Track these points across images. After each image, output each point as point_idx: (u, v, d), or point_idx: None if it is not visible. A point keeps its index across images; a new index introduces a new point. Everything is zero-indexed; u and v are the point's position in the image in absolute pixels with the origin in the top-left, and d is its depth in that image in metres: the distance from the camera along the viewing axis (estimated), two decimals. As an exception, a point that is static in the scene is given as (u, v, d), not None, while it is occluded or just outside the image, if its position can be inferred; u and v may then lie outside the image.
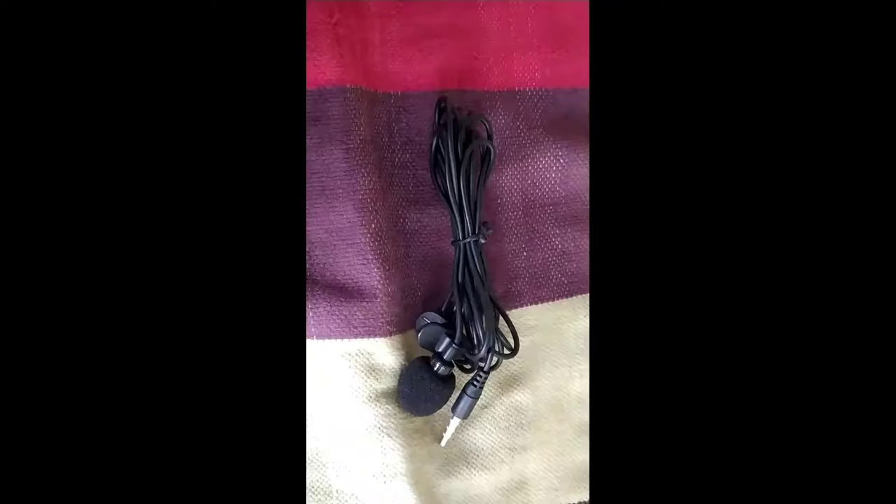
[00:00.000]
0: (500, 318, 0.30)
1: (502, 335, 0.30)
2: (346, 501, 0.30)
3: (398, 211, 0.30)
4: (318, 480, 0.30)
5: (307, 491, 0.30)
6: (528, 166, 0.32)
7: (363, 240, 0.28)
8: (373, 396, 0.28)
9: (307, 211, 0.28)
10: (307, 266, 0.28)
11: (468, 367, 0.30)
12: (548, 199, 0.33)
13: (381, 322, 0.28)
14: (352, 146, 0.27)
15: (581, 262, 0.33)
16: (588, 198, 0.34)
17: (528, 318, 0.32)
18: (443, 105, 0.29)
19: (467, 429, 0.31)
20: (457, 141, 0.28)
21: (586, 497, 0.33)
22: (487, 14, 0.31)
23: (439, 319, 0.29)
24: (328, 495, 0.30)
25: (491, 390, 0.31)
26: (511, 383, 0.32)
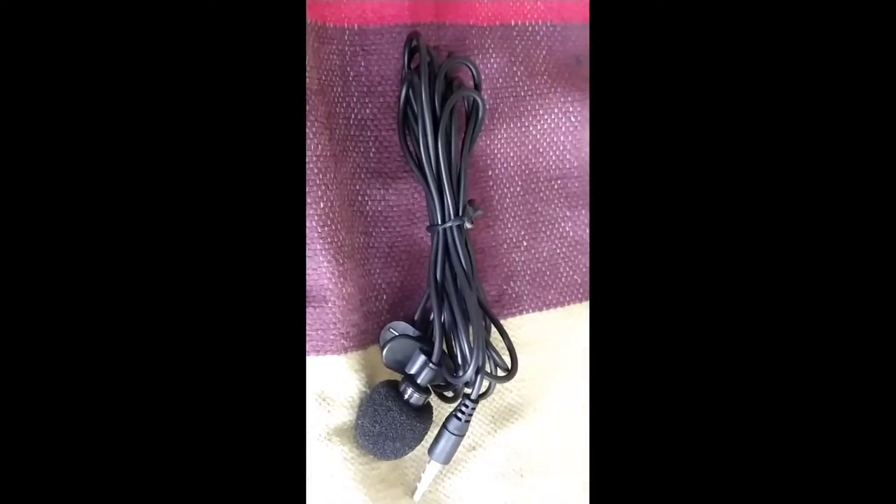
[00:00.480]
0: (493, 328, 0.25)
1: (495, 351, 0.25)
2: None
3: (355, 185, 0.26)
4: None
5: None
6: (529, 126, 0.27)
7: (309, 224, 0.23)
8: (324, 434, 0.24)
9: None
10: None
11: (450, 394, 0.25)
12: (555, 170, 0.28)
13: (334, 334, 0.24)
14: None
15: None
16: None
17: (529, 330, 0.28)
18: (414, 43, 0.25)
19: (449, 477, 0.26)
20: (433, 92, 0.25)
21: None
22: None
23: (411, 331, 0.26)
24: None
25: (481, 426, 0.26)
26: (507, 416, 0.27)
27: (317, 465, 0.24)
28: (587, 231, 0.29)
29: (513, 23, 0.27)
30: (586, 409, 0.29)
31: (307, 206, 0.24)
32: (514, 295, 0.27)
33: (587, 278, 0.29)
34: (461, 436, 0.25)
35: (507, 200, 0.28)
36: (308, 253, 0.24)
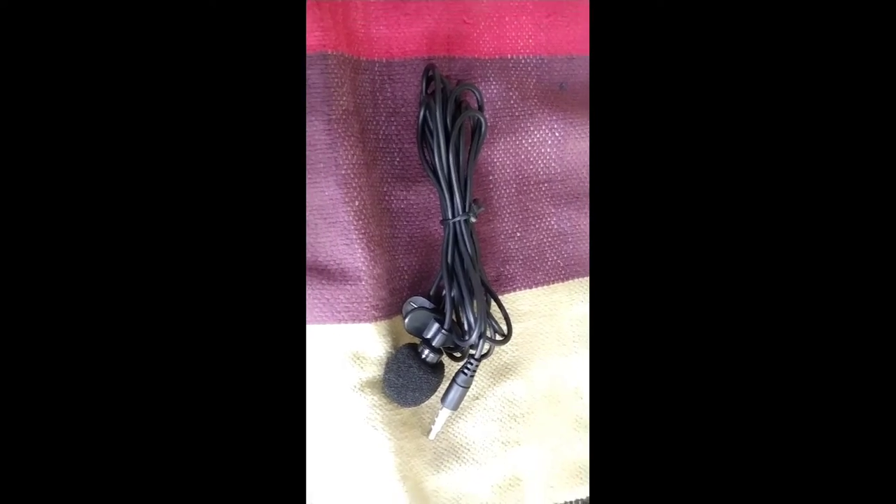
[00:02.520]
0: (492, 302, 0.28)
1: (494, 321, 0.28)
2: (331, 496, 0.28)
3: (383, 187, 0.28)
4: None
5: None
6: (521, 140, 0.30)
7: (346, 218, 0.26)
8: (357, 386, 0.26)
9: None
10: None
11: (458, 354, 0.28)
12: (543, 175, 0.31)
13: (366, 306, 0.27)
14: (333, 117, 0.25)
15: (578, 243, 0.31)
16: (587, 174, 0.32)
17: (521, 303, 0.30)
18: (430, 73, 0.27)
19: (457, 421, 0.29)
20: (445, 112, 0.26)
21: (584, 494, 0.31)
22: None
23: (427, 304, 0.28)
24: (311, 492, 0.28)
25: (482, 380, 0.29)
26: (504, 372, 0.30)
27: (352, 412, 0.27)
28: (568, 224, 0.32)
29: (509, 56, 0.30)
30: (567, 367, 0.32)
31: (344, 204, 0.26)
32: (509, 276, 0.31)
33: (569, 262, 0.32)
34: (467, 388, 0.28)
35: (504, 199, 0.31)
36: (346, 241, 0.27)
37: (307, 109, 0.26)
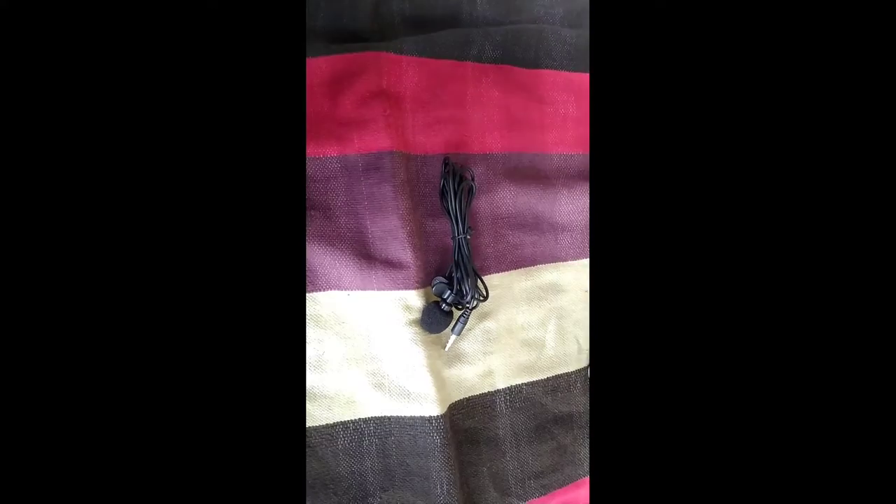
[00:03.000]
0: (479, 280, 0.45)
1: (479, 289, 0.45)
2: (392, 384, 0.44)
3: (422, 220, 0.45)
4: (375, 372, 0.45)
5: (369, 381, 0.45)
6: (493, 196, 0.48)
7: (402, 236, 0.43)
8: (407, 322, 0.43)
9: (371, 221, 0.43)
10: (371, 250, 0.44)
11: (460, 307, 0.45)
12: (504, 213, 0.48)
13: (412, 281, 0.43)
14: (396, 183, 0.43)
15: (524, 249, 0.50)
16: (531, 214, 0.49)
17: (493, 280, 0.48)
18: (447, 162, 0.45)
19: (459, 342, 0.47)
20: (454, 181, 0.44)
21: (527, 380, 0.51)
22: (471, 110, 0.48)
23: (444, 280, 0.44)
24: (380, 385, 0.44)
25: (472, 321, 0.47)
26: (484, 317, 0.47)
27: (404, 335, 0.43)
28: (519, 240, 0.48)
29: (488, 153, 0.48)
30: (517, 314, 0.49)
31: (402, 229, 0.42)
32: (487, 266, 0.48)
33: (518, 259, 0.48)
34: (465, 324, 0.45)
35: (484, 227, 0.48)
36: (402, 248, 0.43)
37: (382, 180, 0.42)
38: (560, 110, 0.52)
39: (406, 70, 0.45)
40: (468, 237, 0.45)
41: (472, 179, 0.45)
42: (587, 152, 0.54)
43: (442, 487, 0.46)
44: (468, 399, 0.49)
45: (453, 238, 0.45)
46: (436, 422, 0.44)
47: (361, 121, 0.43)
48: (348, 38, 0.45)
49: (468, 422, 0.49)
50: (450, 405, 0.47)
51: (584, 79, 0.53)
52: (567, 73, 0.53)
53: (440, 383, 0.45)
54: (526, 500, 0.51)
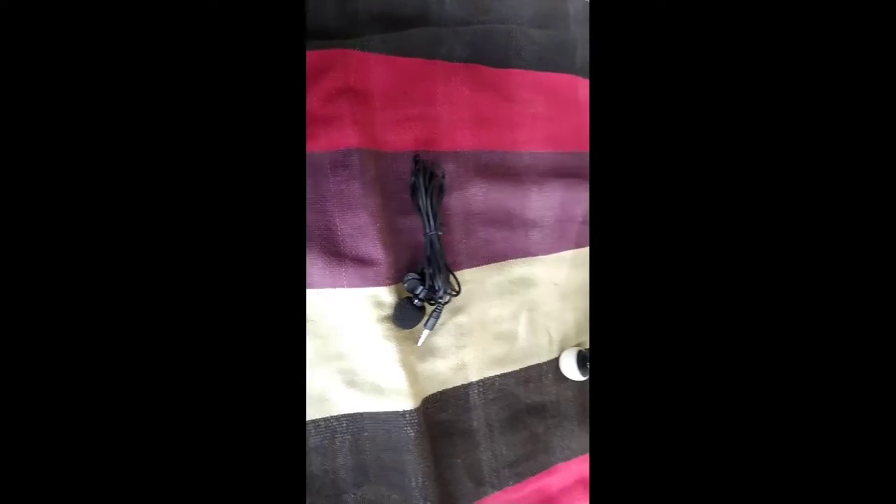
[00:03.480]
0: (451, 275, 0.46)
1: (451, 285, 0.46)
2: (365, 380, 0.45)
3: (393, 217, 0.46)
4: (346, 369, 0.46)
5: (341, 379, 0.45)
6: (464, 193, 0.49)
7: (373, 232, 0.43)
8: (379, 319, 0.44)
9: (341, 219, 0.44)
10: (341, 248, 0.44)
11: (433, 302, 0.46)
12: (475, 210, 0.49)
13: (383, 278, 0.43)
14: (365, 180, 0.43)
15: (496, 245, 0.51)
16: (501, 210, 0.51)
17: (465, 276, 0.49)
18: (417, 159, 0.47)
19: (432, 337, 0.48)
20: (425, 178, 0.45)
21: (499, 371, 0.52)
22: (441, 108, 0.49)
23: (416, 276, 0.45)
24: (352, 382, 0.46)
25: (445, 315, 0.48)
26: (456, 311, 0.49)
27: (376, 332, 0.43)
28: (490, 236, 0.49)
29: (458, 150, 0.49)
30: (489, 308, 0.50)
31: (372, 226, 0.43)
32: (459, 262, 0.49)
33: (489, 255, 0.49)
34: (437, 319, 0.46)
35: (455, 223, 0.49)
36: (373, 245, 0.43)
37: (351, 178, 0.42)
38: (529, 109, 0.53)
39: (373, 68, 0.45)
40: (440, 233, 0.45)
41: (443, 176, 0.46)
42: (557, 150, 0.55)
43: (417, 480, 0.47)
44: (442, 392, 0.50)
45: (425, 234, 0.45)
46: (409, 416, 0.45)
47: (328, 118, 0.43)
48: (314, 34, 0.45)
49: (442, 415, 0.50)
50: (423, 399, 0.48)
51: (553, 78, 0.54)
52: (536, 73, 0.54)
53: (413, 378, 0.46)
54: (500, 488, 0.52)
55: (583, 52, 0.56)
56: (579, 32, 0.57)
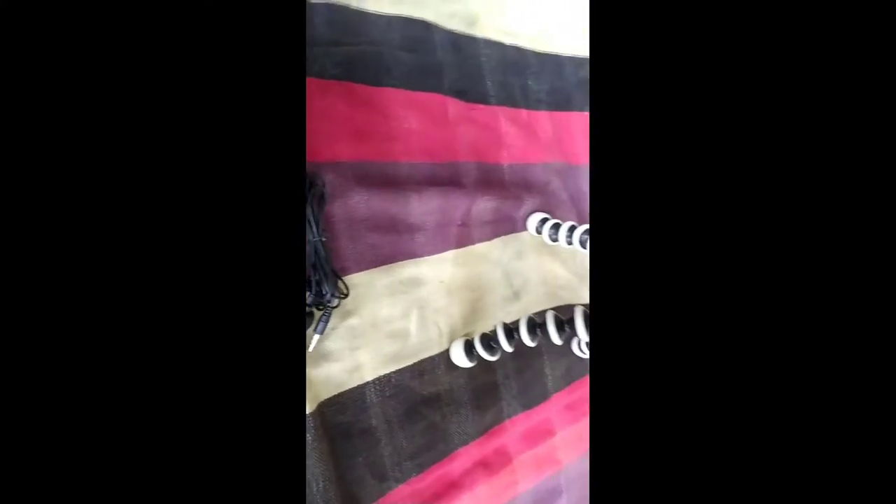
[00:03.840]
0: (338, 280, 0.48)
1: (339, 289, 0.47)
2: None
3: None
4: None
5: None
6: (347, 201, 0.50)
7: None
8: None
9: None
10: None
11: (321, 307, 0.47)
12: (360, 217, 0.51)
13: None
14: None
15: (383, 249, 0.54)
16: (383, 217, 0.54)
17: (355, 280, 0.50)
18: (311, 174, 0.48)
19: (324, 342, 0.48)
20: (309, 190, 0.47)
21: (394, 368, 0.55)
22: (318, 123, 0.51)
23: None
24: None
25: (335, 320, 0.49)
26: (347, 315, 0.50)
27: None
28: (376, 241, 0.51)
29: (340, 161, 0.51)
30: (379, 309, 0.52)
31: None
32: (347, 266, 0.50)
33: (377, 257, 0.52)
34: (327, 323, 0.47)
35: (340, 230, 0.50)
36: None
37: None
38: (403, 125, 0.58)
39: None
40: (323, 239, 0.46)
41: (324, 185, 0.47)
42: (432, 161, 0.60)
43: (318, 485, 0.47)
44: (339, 395, 0.51)
45: (308, 242, 0.46)
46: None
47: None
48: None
49: (340, 417, 0.51)
50: (319, 403, 0.49)
51: (423, 97, 0.60)
52: (408, 92, 0.59)
53: (307, 384, 0.46)
54: (404, 481, 0.55)
55: (450, 75, 0.63)
56: (445, 58, 0.63)
